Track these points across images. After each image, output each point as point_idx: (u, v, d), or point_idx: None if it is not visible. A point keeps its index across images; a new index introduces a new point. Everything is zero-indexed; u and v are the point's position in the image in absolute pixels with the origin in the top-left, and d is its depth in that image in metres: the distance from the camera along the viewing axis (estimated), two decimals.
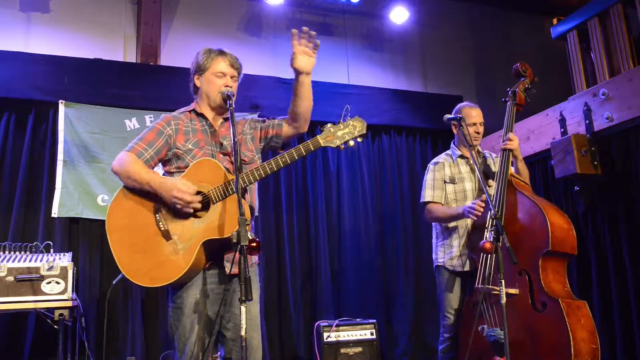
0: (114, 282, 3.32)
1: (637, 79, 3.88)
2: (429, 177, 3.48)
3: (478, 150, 3.49)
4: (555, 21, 4.98)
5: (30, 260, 3.37)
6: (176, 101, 4.61)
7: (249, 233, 2.39)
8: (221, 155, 2.41)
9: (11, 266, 3.27)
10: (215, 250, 2.27)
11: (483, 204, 3.07)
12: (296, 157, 2.29)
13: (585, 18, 4.59)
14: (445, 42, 6.09)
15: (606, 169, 4.16)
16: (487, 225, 3.07)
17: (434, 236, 3.53)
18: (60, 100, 4.40)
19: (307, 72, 2.37)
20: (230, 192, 2.22)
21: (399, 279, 5.21)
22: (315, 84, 5.89)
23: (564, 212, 3.11)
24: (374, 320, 4.41)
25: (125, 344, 4.24)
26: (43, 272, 3.30)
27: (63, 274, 3.34)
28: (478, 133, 3.41)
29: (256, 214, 2.54)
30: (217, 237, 2.19)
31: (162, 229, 2.24)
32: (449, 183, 3.42)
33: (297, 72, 2.37)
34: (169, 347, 4.17)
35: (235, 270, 2.27)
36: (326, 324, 4.28)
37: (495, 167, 3.37)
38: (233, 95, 2.34)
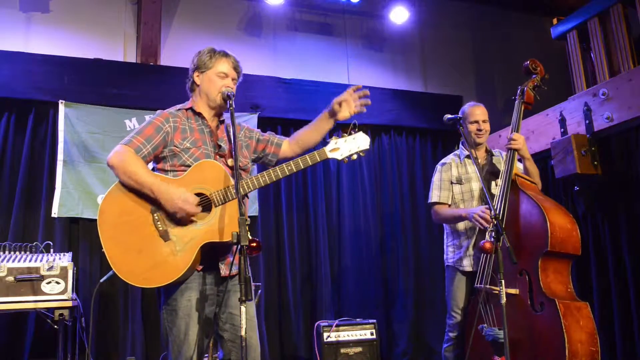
0: (101, 280, 3.30)
1: (637, 79, 3.88)
2: (436, 177, 3.49)
3: (486, 148, 3.49)
4: (555, 21, 4.98)
5: (30, 260, 3.37)
6: (176, 101, 4.61)
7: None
8: (218, 157, 2.39)
9: (11, 266, 3.27)
10: (211, 252, 2.26)
11: (488, 213, 3.05)
12: (302, 167, 2.32)
13: (585, 18, 4.59)
14: (445, 42, 6.09)
15: (606, 169, 4.16)
16: (491, 225, 3.07)
17: (445, 236, 3.53)
18: (60, 100, 4.40)
19: (336, 120, 2.50)
20: (233, 196, 2.21)
21: (399, 279, 5.21)
22: (315, 84, 5.91)
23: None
24: (374, 320, 4.41)
25: (125, 344, 4.24)
26: (43, 272, 3.30)
27: (63, 274, 3.34)
28: (480, 130, 3.40)
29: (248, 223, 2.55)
30: (218, 241, 2.19)
31: (161, 229, 2.21)
32: (455, 184, 3.42)
33: (333, 117, 2.48)
34: (166, 349, 4.17)
35: (233, 271, 2.28)
36: (326, 324, 4.28)
37: (502, 166, 3.36)
38: (233, 96, 2.33)
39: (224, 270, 2.28)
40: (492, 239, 2.64)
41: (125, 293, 4.32)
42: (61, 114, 4.38)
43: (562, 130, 4.44)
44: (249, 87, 4.79)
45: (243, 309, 1.92)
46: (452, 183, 3.43)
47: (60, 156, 4.33)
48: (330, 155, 2.35)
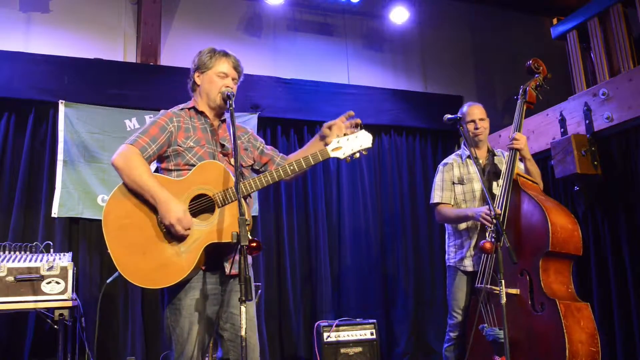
0: (108, 281, 3.31)
1: (637, 79, 3.88)
2: (438, 178, 3.49)
3: (488, 148, 3.49)
4: (555, 21, 4.98)
5: (30, 260, 3.37)
6: (176, 101, 4.61)
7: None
8: (221, 156, 2.41)
9: (11, 266, 3.27)
10: (215, 252, 2.26)
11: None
12: (305, 167, 2.31)
13: (585, 18, 4.59)
14: (445, 42, 6.09)
15: (606, 169, 4.16)
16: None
17: (446, 236, 3.53)
18: (60, 100, 4.40)
19: (330, 152, 2.39)
20: (233, 197, 2.22)
21: (399, 279, 5.21)
22: (315, 84, 5.92)
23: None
24: (374, 320, 4.40)
25: (126, 344, 4.24)
26: (43, 272, 3.31)
27: (63, 274, 3.34)
28: (477, 129, 3.40)
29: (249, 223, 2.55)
30: (220, 241, 2.19)
31: (164, 230, 2.21)
32: (457, 184, 3.42)
33: (323, 140, 2.44)
34: (169, 347, 4.17)
35: (234, 271, 2.28)
36: (326, 324, 4.28)
37: (504, 166, 3.36)
38: (233, 95, 2.34)
39: (228, 269, 2.29)
40: (492, 239, 2.64)
41: (125, 293, 4.32)
42: (61, 114, 4.38)
43: (562, 130, 4.44)
44: (249, 87, 4.79)
45: (243, 308, 1.92)
46: (454, 183, 3.43)
47: (60, 156, 4.33)
48: (332, 154, 2.33)
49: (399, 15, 5.43)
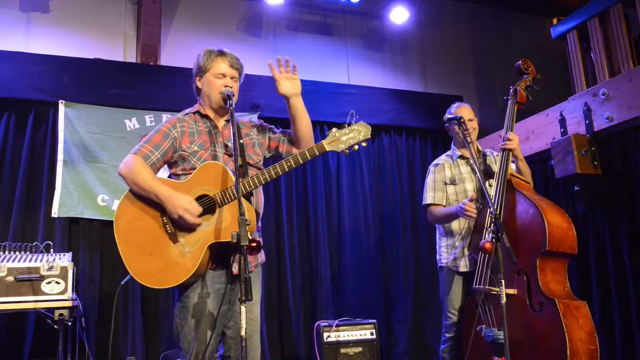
0: (122, 283, 3.31)
1: (637, 79, 3.88)
2: (429, 179, 3.49)
3: (478, 148, 3.49)
4: (555, 21, 4.98)
5: (30, 260, 3.36)
6: (176, 101, 4.65)
7: (255, 234, 2.42)
8: (226, 157, 2.42)
9: (11, 266, 3.27)
10: (221, 252, 2.28)
11: (472, 204, 3.07)
12: (301, 162, 2.30)
13: (585, 18, 4.59)
14: (445, 42, 6.09)
15: (606, 169, 4.16)
16: (486, 225, 3.07)
17: (437, 237, 3.53)
18: (60, 100, 4.40)
19: (296, 94, 2.42)
20: (232, 196, 2.23)
21: (399, 279, 5.21)
22: (315, 84, 5.93)
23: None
24: (374, 320, 4.40)
25: (126, 344, 4.24)
26: (43, 272, 3.30)
27: (63, 274, 3.34)
28: (466, 130, 3.40)
29: (260, 215, 2.55)
30: (222, 241, 2.21)
31: (169, 231, 2.27)
32: (449, 184, 3.42)
33: (286, 98, 2.42)
34: (169, 347, 4.17)
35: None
36: (326, 324, 4.27)
37: (496, 166, 3.37)
38: (233, 95, 2.35)
39: (235, 268, 2.30)
40: (492, 239, 2.64)
41: (125, 293, 4.32)
42: (61, 114, 4.38)
43: (562, 130, 4.44)
44: (249, 87, 4.78)
45: (243, 308, 1.93)
46: (445, 184, 3.43)
47: (60, 156, 4.33)
48: (329, 148, 2.30)
49: (399, 15, 5.43)
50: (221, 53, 2.48)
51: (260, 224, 2.54)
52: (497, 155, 3.45)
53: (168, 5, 5.04)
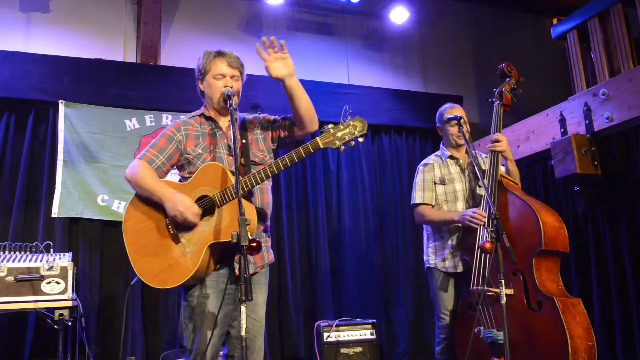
0: (131, 283, 3.32)
1: (637, 79, 3.88)
2: (419, 178, 3.47)
3: (466, 150, 3.49)
4: (555, 21, 4.98)
5: (30, 260, 3.37)
6: (176, 101, 4.66)
7: (262, 235, 2.42)
8: (230, 158, 2.42)
9: (11, 266, 3.27)
10: (224, 252, 2.29)
11: (485, 214, 3.06)
12: (296, 160, 2.27)
13: (585, 18, 4.59)
14: (445, 42, 6.09)
15: (606, 169, 4.16)
16: (481, 225, 3.07)
17: (424, 237, 3.51)
18: (60, 100, 4.40)
19: (290, 74, 2.31)
20: (231, 196, 2.24)
21: (399, 279, 5.21)
22: (315, 84, 5.92)
23: (563, 212, 3.13)
24: (374, 320, 4.40)
25: (126, 344, 4.23)
26: (43, 272, 3.30)
27: (63, 274, 3.34)
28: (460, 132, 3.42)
29: (269, 215, 2.55)
30: (220, 241, 2.22)
31: (172, 232, 2.30)
32: (439, 184, 3.40)
33: (281, 80, 2.32)
34: (169, 347, 4.17)
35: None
36: (326, 324, 4.27)
37: (485, 167, 3.37)
38: (233, 95, 2.34)
39: (237, 269, 2.29)
40: (490, 239, 2.64)
41: (125, 293, 4.32)
42: (61, 114, 4.38)
43: (562, 130, 4.43)
44: (249, 87, 4.72)
45: (243, 308, 1.93)
46: (435, 183, 3.41)
47: (60, 156, 4.33)
48: (323, 145, 2.25)
49: (399, 15, 5.43)
50: (219, 53, 2.47)
51: (269, 223, 2.55)
52: (486, 157, 3.45)
53: (168, 5, 5.04)
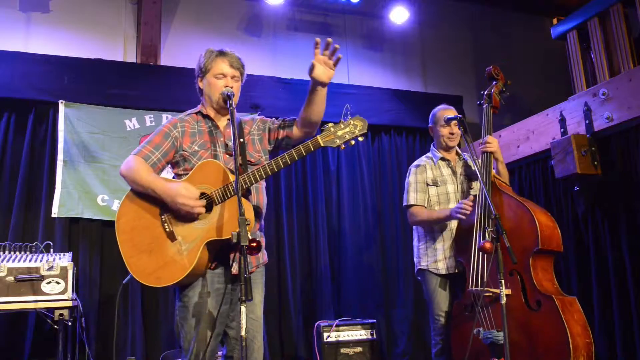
0: (123, 282, 3.33)
1: (637, 79, 3.88)
2: (411, 179, 3.46)
3: (457, 152, 3.50)
4: (555, 21, 4.98)
5: (30, 260, 3.37)
6: (176, 101, 4.65)
7: (257, 233, 2.41)
8: (227, 156, 2.42)
9: (11, 266, 3.27)
10: (220, 250, 2.28)
11: (471, 203, 3.08)
12: (296, 158, 2.27)
13: (585, 18, 4.59)
14: (445, 42, 6.09)
15: (606, 169, 4.16)
16: (475, 227, 3.08)
17: (415, 239, 3.50)
18: (60, 100, 4.40)
19: (324, 83, 2.36)
20: (232, 194, 2.23)
21: (398, 279, 5.21)
22: None
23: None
24: (374, 320, 4.41)
25: (126, 344, 4.24)
26: (43, 272, 3.30)
27: (63, 274, 3.34)
28: (452, 134, 3.42)
29: (263, 214, 2.54)
30: (218, 238, 2.20)
31: (167, 230, 2.27)
32: (431, 186, 3.40)
33: (314, 82, 2.35)
34: (169, 347, 4.17)
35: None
36: (326, 324, 4.28)
37: (474, 169, 3.38)
38: (233, 95, 2.34)
39: (235, 268, 2.30)
40: (490, 239, 2.64)
41: (125, 293, 4.32)
42: (61, 114, 4.38)
43: (562, 130, 4.43)
44: (249, 87, 4.78)
45: (243, 308, 1.93)
46: (427, 185, 3.41)
47: (60, 156, 4.33)
48: (324, 143, 2.26)
49: (399, 15, 5.43)
50: (221, 53, 2.48)
51: (263, 222, 2.54)
52: (481, 158, 3.46)
53: (168, 5, 5.04)
